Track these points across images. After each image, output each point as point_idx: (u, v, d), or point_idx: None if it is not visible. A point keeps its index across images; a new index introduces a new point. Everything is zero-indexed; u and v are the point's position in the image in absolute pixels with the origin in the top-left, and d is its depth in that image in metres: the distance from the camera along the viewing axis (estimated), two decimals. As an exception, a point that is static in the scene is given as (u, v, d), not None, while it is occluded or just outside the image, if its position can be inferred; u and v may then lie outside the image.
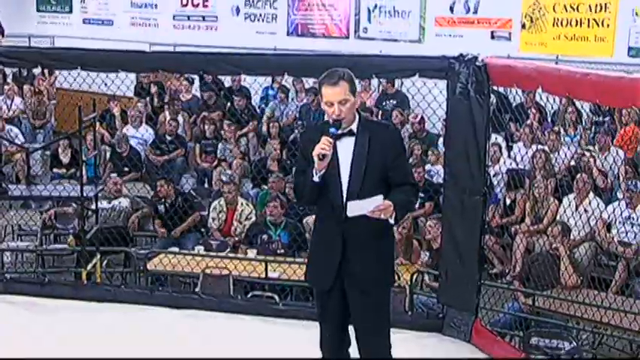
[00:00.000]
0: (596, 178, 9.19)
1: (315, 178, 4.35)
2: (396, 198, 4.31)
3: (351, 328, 4.63)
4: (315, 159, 4.28)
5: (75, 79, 7.19)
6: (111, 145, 11.60)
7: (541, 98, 10.19)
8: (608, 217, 8.66)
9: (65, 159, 11.48)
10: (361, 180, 4.36)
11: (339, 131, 4.34)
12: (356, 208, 4.29)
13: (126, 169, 10.97)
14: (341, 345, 4.67)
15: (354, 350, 4.66)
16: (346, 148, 4.39)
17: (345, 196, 4.36)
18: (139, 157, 11.41)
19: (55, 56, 7.23)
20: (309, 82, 12.78)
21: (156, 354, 5.74)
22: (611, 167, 9.39)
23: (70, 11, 16.88)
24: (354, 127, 4.42)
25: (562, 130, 10.38)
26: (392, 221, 4.32)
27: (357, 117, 4.45)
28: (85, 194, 7.54)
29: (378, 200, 4.23)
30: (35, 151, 11.42)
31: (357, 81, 4.45)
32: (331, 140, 4.28)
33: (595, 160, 9.35)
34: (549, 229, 8.22)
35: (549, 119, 11.01)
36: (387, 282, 4.60)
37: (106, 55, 7.09)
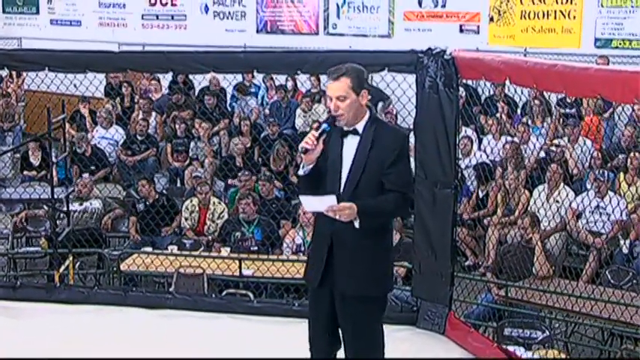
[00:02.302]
0: (568, 168, 9.29)
1: (300, 172, 4.36)
2: (365, 203, 4.25)
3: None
4: (300, 152, 4.29)
5: (42, 81, 7.13)
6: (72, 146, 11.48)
7: (509, 90, 10.28)
8: (578, 207, 8.76)
9: (35, 161, 11.39)
10: (357, 180, 4.31)
11: (345, 128, 4.32)
12: (309, 203, 4.30)
13: (92, 168, 10.86)
14: (329, 345, 4.56)
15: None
16: (350, 147, 4.36)
17: (341, 194, 4.30)
18: (104, 156, 11.31)
19: (22, 57, 7.15)
20: (280, 79, 12.80)
21: (131, 355, 5.72)
22: (579, 158, 9.50)
23: (37, 12, 16.72)
24: (360, 126, 4.36)
25: (530, 122, 10.47)
26: (357, 225, 4.24)
27: (367, 116, 4.38)
28: (56, 196, 7.48)
29: (330, 200, 4.19)
30: (4, 153, 11.32)
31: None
32: (317, 135, 4.25)
33: (564, 152, 9.44)
34: (519, 220, 8.30)
35: (519, 111, 11.09)
36: (374, 291, 4.43)
37: (73, 55, 7.03)
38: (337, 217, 4.20)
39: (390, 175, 4.30)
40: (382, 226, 4.44)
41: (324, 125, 4.29)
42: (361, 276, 4.35)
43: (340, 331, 4.50)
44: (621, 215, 8.48)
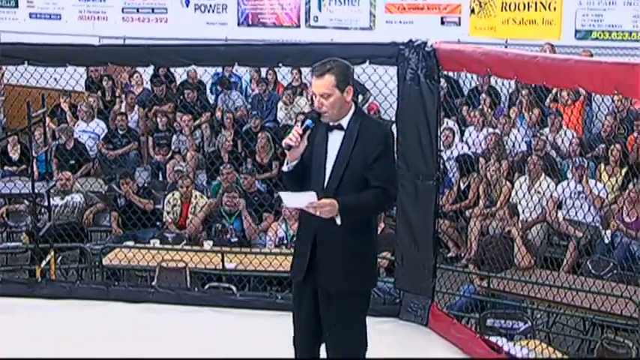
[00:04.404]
0: (549, 159, 9.34)
1: (284, 168, 4.34)
2: (346, 199, 4.23)
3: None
4: (284, 149, 4.26)
5: (22, 75, 7.09)
6: (56, 140, 11.43)
7: (496, 82, 10.30)
8: (559, 197, 8.80)
9: (15, 156, 11.32)
10: (340, 176, 4.29)
11: (330, 123, 4.30)
12: (289, 199, 4.29)
13: (72, 162, 10.79)
14: (313, 341, 4.55)
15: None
16: (335, 142, 4.34)
17: (325, 189, 4.28)
18: (85, 150, 11.26)
19: (1, 51, 7.10)
20: (265, 70, 12.78)
21: (114, 350, 5.71)
22: (560, 148, 9.55)
23: (16, 5, 16.56)
24: (345, 121, 4.34)
25: (517, 112, 10.48)
26: (338, 222, 4.22)
27: (352, 111, 4.36)
28: (36, 191, 7.44)
29: (311, 196, 4.18)
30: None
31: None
32: (300, 131, 4.22)
33: (545, 143, 9.48)
34: (498, 212, 8.35)
35: (502, 103, 11.12)
36: (357, 286, 4.41)
37: (53, 49, 6.99)
38: (318, 213, 4.18)
39: (373, 170, 4.29)
40: (366, 221, 4.42)
41: (308, 121, 4.26)
42: (345, 272, 4.34)
43: (322, 327, 4.48)
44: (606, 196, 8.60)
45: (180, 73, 13.07)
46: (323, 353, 4.60)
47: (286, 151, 4.28)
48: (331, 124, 4.34)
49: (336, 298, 4.36)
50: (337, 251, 4.32)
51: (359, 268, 4.39)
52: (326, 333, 4.45)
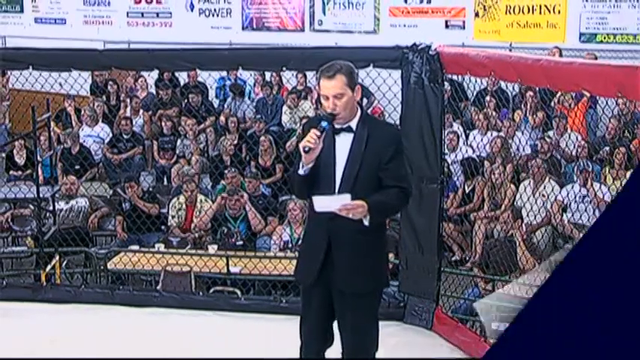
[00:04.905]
0: (554, 162, 9.33)
1: (301, 172, 4.29)
2: (373, 199, 4.21)
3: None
4: (301, 152, 4.21)
5: (27, 79, 7.11)
6: (61, 144, 11.47)
7: (499, 83, 10.28)
8: (563, 201, 8.79)
9: (20, 160, 11.35)
10: (354, 178, 4.28)
11: (337, 126, 4.29)
12: (322, 203, 4.24)
13: (77, 166, 10.82)
14: (322, 342, 4.55)
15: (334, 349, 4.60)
16: (344, 144, 4.32)
17: (336, 193, 4.27)
18: (90, 154, 11.28)
19: (5, 56, 7.13)
20: (269, 74, 12.80)
21: (119, 354, 5.71)
22: (564, 150, 9.53)
23: (21, 11, 16.64)
24: (353, 123, 4.33)
25: (522, 115, 10.46)
26: (366, 223, 4.20)
27: (359, 113, 4.37)
28: (41, 195, 7.45)
29: (345, 199, 4.16)
30: (-10, 153, 11.27)
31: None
32: (318, 134, 4.18)
33: (550, 146, 9.47)
34: (502, 215, 8.34)
35: (510, 105, 11.10)
36: (372, 286, 4.44)
37: (58, 54, 7.01)
38: (350, 215, 4.16)
39: (388, 170, 4.29)
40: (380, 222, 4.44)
41: (324, 124, 4.22)
42: (361, 272, 4.34)
43: (338, 328, 4.49)
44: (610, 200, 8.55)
45: (184, 78, 13.11)
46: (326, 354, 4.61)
47: (303, 154, 4.22)
48: (338, 126, 4.33)
49: (351, 298, 4.37)
50: (352, 253, 4.32)
51: (374, 268, 4.42)
52: (341, 332, 4.46)
